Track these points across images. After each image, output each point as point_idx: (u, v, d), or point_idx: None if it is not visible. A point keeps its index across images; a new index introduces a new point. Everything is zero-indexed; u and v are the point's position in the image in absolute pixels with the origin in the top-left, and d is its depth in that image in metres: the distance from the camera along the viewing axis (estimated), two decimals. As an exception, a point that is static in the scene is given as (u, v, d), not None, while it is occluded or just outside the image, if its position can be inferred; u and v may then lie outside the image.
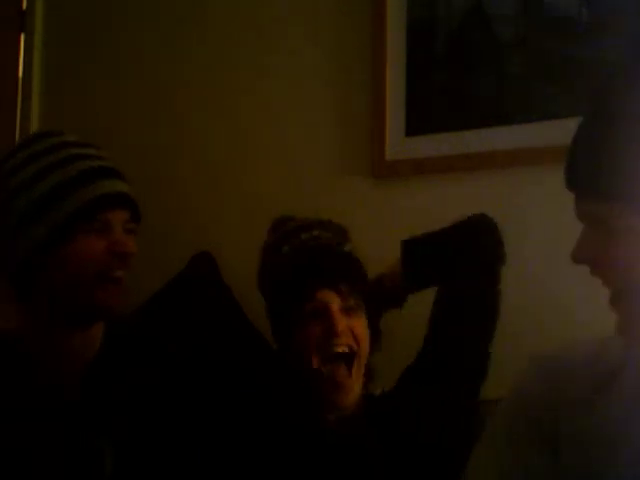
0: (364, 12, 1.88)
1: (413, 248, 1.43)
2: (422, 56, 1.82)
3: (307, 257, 1.34)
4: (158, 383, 1.30)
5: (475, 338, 1.38)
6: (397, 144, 1.82)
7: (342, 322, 1.28)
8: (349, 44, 1.91)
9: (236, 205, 2.02)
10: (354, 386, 1.30)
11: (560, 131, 1.64)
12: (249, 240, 1.97)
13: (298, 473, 1.28)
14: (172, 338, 1.48)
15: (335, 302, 1.29)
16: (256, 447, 1.30)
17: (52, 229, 1.22)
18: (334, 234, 1.39)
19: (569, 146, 0.94)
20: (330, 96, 1.93)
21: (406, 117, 1.82)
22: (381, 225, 1.79)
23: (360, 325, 1.31)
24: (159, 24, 2.17)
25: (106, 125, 2.17)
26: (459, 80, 1.78)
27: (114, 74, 2.22)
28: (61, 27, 2.33)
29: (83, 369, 1.28)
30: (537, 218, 1.68)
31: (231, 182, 2.03)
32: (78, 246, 1.23)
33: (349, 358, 1.29)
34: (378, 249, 1.55)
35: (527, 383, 1.05)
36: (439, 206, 1.77)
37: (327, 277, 1.31)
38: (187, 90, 2.12)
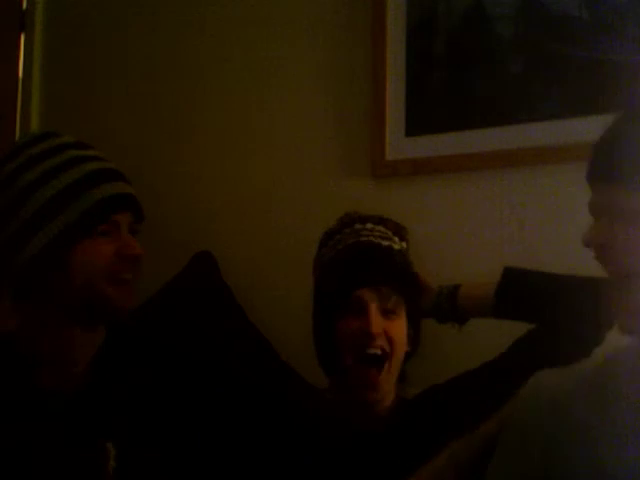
0: (364, 12, 1.88)
1: (517, 279, 1.38)
2: (422, 56, 1.82)
3: (350, 254, 1.32)
4: (159, 382, 1.30)
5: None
6: (397, 144, 1.82)
7: (378, 324, 1.26)
8: (349, 44, 1.91)
9: (236, 205, 2.02)
10: (383, 386, 1.28)
11: (560, 131, 1.65)
12: (249, 240, 1.98)
13: (296, 474, 1.28)
14: (172, 338, 1.48)
15: (374, 302, 1.27)
16: (254, 443, 1.30)
17: (60, 232, 1.22)
18: (390, 230, 1.37)
19: (596, 142, 0.98)
20: (330, 96, 1.93)
21: (406, 117, 1.82)
22: (381, 225, 1.79)
23: (397, 328, 1.29)
24: (159, 24, 2.18)
25: (106, 125, 2.17)
26: (459, 80, 1.78)
27: (114, 74, 2.22)
28: (61, 27, 2.33)
29: (86, 368, 1.28)
30: (537, 218, 1.68)
31: (231, 182, 2.03)
32: (87, 249, 1.23)
33: (381, 360, 1.27)
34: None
35: (525, 411, 1.05)
36: (439, 206, 1.77)
37: (367, 276, 1.28)
38: (187, 90, 2.12)
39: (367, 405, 1.29)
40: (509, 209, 1.70)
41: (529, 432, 1.02)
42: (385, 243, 1.33)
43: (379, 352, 1.27)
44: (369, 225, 1.36)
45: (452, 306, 1.41)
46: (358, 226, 1.36)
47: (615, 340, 1.11)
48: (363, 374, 1.27)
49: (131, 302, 1.28)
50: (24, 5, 2.35)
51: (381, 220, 1.38)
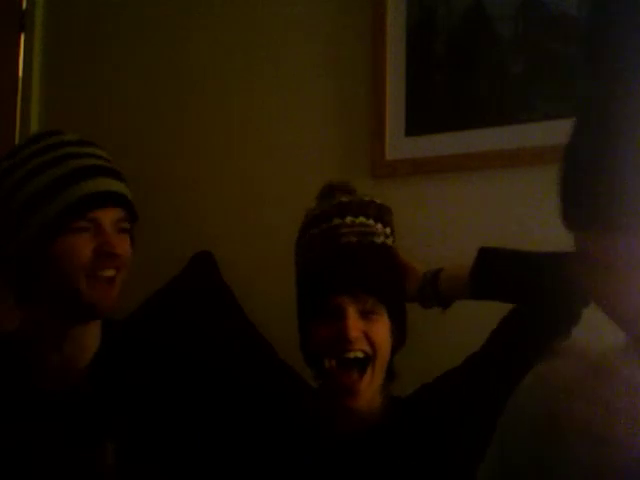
0: (364, 12, 1.88)
1: (491, 258, 1.34)
2: (422, 56, 1.82)
3: (326, 261, 1.27)
4: (158, 382, 1.30)
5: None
6: (397, 144, 1.82)
7: (356, 328, 1.22)
8: (349, 44, 1.91)
9: (236, 205, 2.02)
10: (366, 390, 1.24)
11: (560, 131, 1.64)
12: (249, 240, 1.98)
13: (296, 473, 1.27)
14: (172, 338, 1.48)
15: (351, 307, 1.23)
16: (253, 443, 1.30)
17: (41, 228, 1.23)
18: (372, 216, 1.31)
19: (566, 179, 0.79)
20: (330, 96, 1.93)
21: (406, 117, 1.82)
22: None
23: (378, 329, 1.25)
24: (159, 24, 2.18)
25: (106, 125, 2.17)
26: (459, 80, 1.78)
27: (114, 74, 2.22)
28: (61, 27, 2.33)
29: (85, 367, 1.29)
30: (537, 218, 1.68)
31: (231, 182, 2.03)
32: (65, 245, 1.23)
33: (363, 363, 1.24)
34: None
35: (522, 400, 1.03)
36: (439, 206, 1.77)
37: (344, 284, 1.24)
38: (187, 90, 2.12)
39: (349, 412, 1.26)
40: (509, 209, 1.70)
41: (528, 417, 1.00)
42: (366, 241, 1.28)
43: (360, 355, 1.23)
44: (348, 219, 1.30)
45: (434, 290, 1.36)
46: (337, 221, 1.30)
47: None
48: (344, 379, 1.23)
49: (111, 301, 1.27)
50: (24, 5, 2.35)
51: (361, 207, 1.32)
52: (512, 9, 1.73)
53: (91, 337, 1.30)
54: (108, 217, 1.26)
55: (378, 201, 1.36)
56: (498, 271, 1.33)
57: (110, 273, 1.25)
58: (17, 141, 2.28)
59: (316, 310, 1.26)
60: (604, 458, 0.89)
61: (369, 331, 1.24)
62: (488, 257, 1.34)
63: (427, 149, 1.79)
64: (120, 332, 1.34)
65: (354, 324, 1.22)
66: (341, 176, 1.89)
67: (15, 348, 1.31)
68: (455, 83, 1.78)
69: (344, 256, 1.27)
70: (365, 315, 1.25)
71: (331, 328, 1.24)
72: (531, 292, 1.29)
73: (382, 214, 1.34)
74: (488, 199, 1.72)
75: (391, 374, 1.31)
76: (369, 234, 1.30)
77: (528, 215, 1.68)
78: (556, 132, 1.63)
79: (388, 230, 1.34)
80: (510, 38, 1.73)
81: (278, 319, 1.82)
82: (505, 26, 1.74)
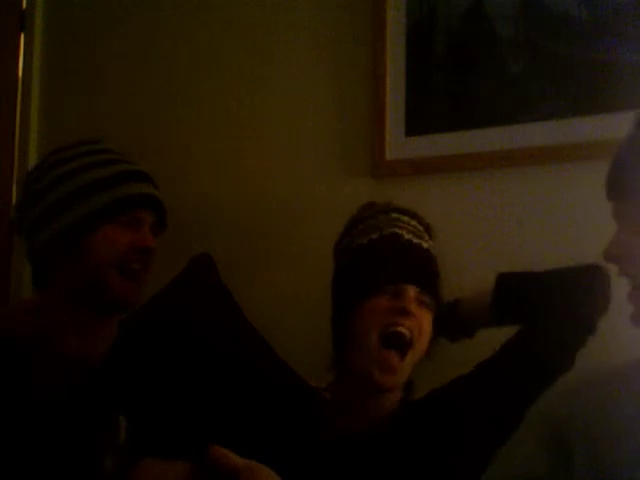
0: (364, 12, 1.88)
1: (510, 283, 1.39)
2: (422, 56, 1.82)
3: (392, 248, 1.31)
4: (156, 383, 1.33)
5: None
6: (397, 144, 1.82)
7: (414, 307, 1.27)
8: (349, 44, 1.91)
9: (236, 206, 2.01)
10: (403, 372, 1.27)
11: (560, 131, 1.65)
12: (248, 242, 1.98)
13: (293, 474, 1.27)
14: (171, 339, 1.49)
15: (411, 289, 1.27)
16: (251, 443, 1.30)
17: (83, 216, 1.31)
18: (423, 226, 1.37)
19: (616, 156, 0.98)
20: (330, 96, 1.93)
21: (406, 117, 1.82)
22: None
23: (426, 320, 1.29)
24: (159, 24, 2.17)
25: (105, 125, 2.17)
26: (459, 80, 1.78)
27: (114, 74, 2.22)
28: (61, 27, 2.33)
29: (102, 357, 1.34)
30: (537, 218, 1.68)
31: (231, 182, 2.03)
32: (106, 234, 1.32)
33: (405, 346, 1.26)
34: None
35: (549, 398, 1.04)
36: (439, 206, 1.77)
37: (411, 276, 1.28)
38: (188, 90, 2.12)
39: (383, 389, 1.27)
40: (509, 209, 1.70)
41: (540, 415, 1.01)
42: (424, 245, 1.33)
43: (407, 333, 1.26)
44: (405, 218, 1.36)
45: (455, 320, 1.41)
46: (394, 215, 1.36)
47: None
48: (384, 356, 1.25)
49: (137, 296, 1.36)
50: (24, 5, 2.35)
51: (414, 215, 1.38)
52: (512, 9, 1.73)
53: (104, 335, 1.35)
54: (147, 218, 1.38)
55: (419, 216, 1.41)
56: (519, 296, 1.37)
57: (137, 266, 1.35)
58: (17, 141, 2.28)
59: (372, 290, 1.28)
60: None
61: (420, 317, 1.28)
62: (508, 283, 1.38)
63: (427, 149, 1.79)
64: (132, 328, 1.39)
65: (414, 303, 1.27)
66: (341, 176, 1.90)
67: (15, 348, 1.31)
68: (455, 83, 1.78)
69: (409, 250, 1.31)
70: (419, 304, 1.28)
71: (386, 303, 1.27)
72: (551, 311, 1.32)
73: (428, 229, 1.39)
74: (488, 199, 1.72)
75: (410, 385, 1.33)
76: (422, 238, 1.35)
77: (528, 215, 1.68)
78: (556, 132, 1.65)
79: (432, 243, 1.38)
80: (510, 38, 1.73)
81: (277, 321, 1.83)
82: (505, 26, 1.74)
